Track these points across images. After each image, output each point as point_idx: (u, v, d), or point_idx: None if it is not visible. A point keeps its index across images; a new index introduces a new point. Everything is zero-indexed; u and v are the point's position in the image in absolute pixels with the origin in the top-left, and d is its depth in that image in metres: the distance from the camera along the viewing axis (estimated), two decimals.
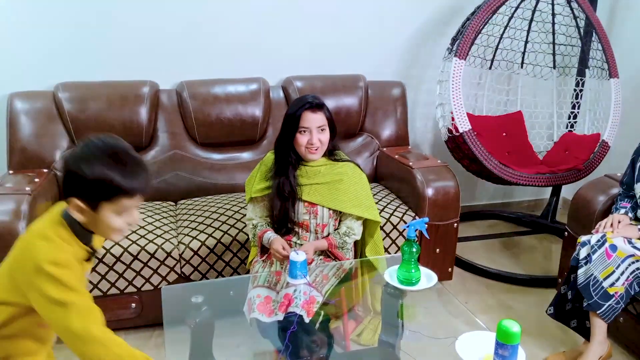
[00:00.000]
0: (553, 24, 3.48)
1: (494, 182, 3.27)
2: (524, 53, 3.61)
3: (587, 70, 3.43)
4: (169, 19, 3.06)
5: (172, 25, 3.07)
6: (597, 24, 3.17)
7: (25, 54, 2.90)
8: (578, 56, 3.51)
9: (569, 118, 3.58)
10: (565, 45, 3.53)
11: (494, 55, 3.60)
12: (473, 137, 3.03)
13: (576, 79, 3.53)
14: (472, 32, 3.07)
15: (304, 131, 2.01)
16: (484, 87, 3.70)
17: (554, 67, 3.63)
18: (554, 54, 3.60)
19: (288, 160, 2.08)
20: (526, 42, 3.57)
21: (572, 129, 3.57)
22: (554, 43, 3.55)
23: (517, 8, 3.38)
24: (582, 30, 3.38)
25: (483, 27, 3.16)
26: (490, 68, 3.64)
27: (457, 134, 3.05)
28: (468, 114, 3.43)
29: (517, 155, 3.49)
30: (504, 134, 3.59)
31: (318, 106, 1.99)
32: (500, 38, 3.53)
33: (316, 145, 2.03)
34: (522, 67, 3.66)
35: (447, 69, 3.18)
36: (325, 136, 2.04)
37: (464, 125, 3.02)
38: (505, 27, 3.49)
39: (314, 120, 1.99)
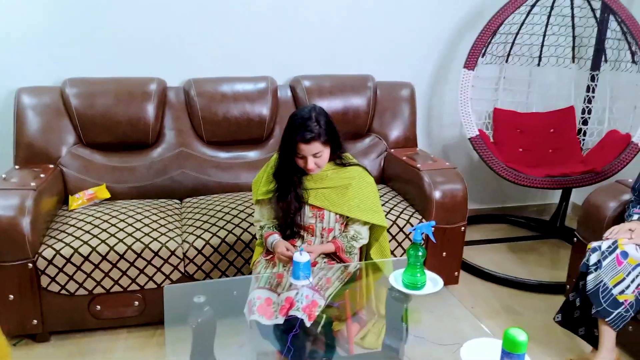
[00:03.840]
0: (596, 17, 3.38)
1: (520, 185, 3.24)
2: (573, 48, 3.54)
3: (633, 64, 3.32)
4: (177, 17, 3.04)
5: (180, 23, 3.06)
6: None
7: (33, 50, 2.90)
8: (626, 50, 3.36)
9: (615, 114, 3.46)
10: (613, 39, 3.41)
11: (540, 52, 3.57)
12: (480, 142, 3.18)
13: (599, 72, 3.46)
14: (480, 45, 3.22)
15: (301, 156, 2.00)
16: (534, 84, 3.68)
17: (606, 60, 3.48)
18: (599, 48, 3.44)
19: (292, 177, 2.06)
20: (574, 36, 3.50)
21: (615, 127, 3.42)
22: (600, 37, 3.40)
23: (552, 7, 3.38)
24: (623, 25, 3.24)
25: (492, 39, 3.28)
26: (538, 65, 3.61)
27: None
28: (512, 112, 3.62)
29: (560, 152, 3.49)
30: (552, 130, 3.57)
31: (312, 139, 1.95)
32: (544, 35, 3.50)
33: (312, 169, 2.01)
34: (573, 61, 3.59)
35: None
36: (322, 159, 2.01)
37: (472, 132, 3.22)
38: (547, 25, 3.46)
39: (308, 150, 1.96)
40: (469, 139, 3.23)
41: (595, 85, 3.49)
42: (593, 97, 3.52)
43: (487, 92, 3.62)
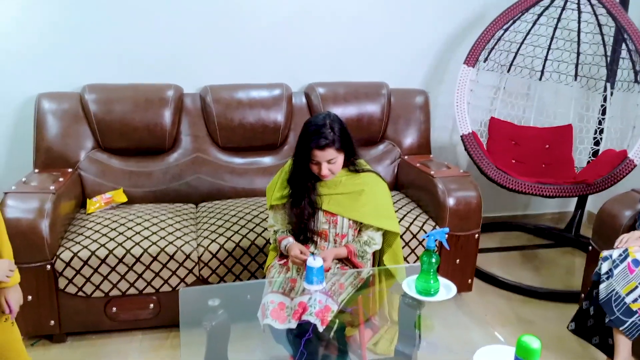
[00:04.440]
0: (602, 34, 3.33)
1: (507, 190, 3.19)
2: (577, 65, 3.49)
3: (636, 84, 3.27)
4: (193, 25, 3.09)
5: (196, 32, 3.10)
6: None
7: (54, 56, 2.96)
8: (630, 69, 3.31)
9: (615, 134, 3.38)
10: (623, 58, 3.34)
11: (543, 66, 3.54)
12: (472, 140, 3.13)
13: (605, 91, 3.42)
14: (482, 42, 3.19)
15: (315, 163, 2.02)
16: (533, 98, 3.64)
17: (607, 80, 3.42)
18: (607, 67, 3.40)
19: (306, 183, 2.08)
20: (578, 53, 3.45)
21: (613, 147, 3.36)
22: (606, 55, 3.38)
23: (559, 19, 3.35)
24: (629, 42, 3.18)
25: (493, 42, 3.23)
26: (540, 79, 3.59)
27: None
28: (509, 123, 3.55)
29: (553, 167, 3.44)
30: (547, 146, 3.53)
31: (326, 145, 1.97)
32: (548, 49, 3.47)
33: (326, 175, 2.03)
34: (575, 79, 3.53)
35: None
36: (337, 165, 2.03)
37: (465, 129, 3.16)
38: (552, 38, 3.43)
39: (322, 156, 1.98)
40: (462, 136, 3.16)
41: (602, 105, 3.42)
42: (604, 118, 3.43)
43: (485, 100, 3.58)
